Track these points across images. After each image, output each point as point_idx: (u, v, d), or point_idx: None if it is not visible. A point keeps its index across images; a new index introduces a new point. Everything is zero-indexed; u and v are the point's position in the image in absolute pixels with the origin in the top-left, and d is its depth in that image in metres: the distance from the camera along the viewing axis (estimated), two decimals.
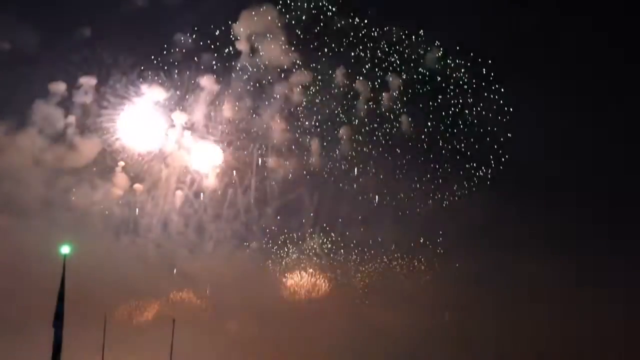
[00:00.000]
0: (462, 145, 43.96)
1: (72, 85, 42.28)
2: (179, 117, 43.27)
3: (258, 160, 44.24)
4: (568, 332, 41.24)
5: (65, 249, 25.57)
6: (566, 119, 42.91)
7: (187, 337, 32.46)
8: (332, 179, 44.39)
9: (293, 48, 42.98)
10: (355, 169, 44.27)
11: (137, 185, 43.75)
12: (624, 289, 41.40)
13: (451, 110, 43.49)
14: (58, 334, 25.28)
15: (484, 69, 43.47)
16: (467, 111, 43.55)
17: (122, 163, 43.12)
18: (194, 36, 42.71)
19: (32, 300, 37.80)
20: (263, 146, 44.09)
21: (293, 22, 42.87)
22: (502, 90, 43.51)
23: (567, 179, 43.41)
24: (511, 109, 43.55)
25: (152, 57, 42.27)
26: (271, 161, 44.34)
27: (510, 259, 42.20)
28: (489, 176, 43.70)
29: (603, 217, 42.80)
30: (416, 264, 44.08)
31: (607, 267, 41.90)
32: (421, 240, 44.13)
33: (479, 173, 43.66)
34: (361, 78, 43.32)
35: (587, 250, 42.38)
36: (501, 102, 43.33)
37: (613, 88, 43.67)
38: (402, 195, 44.22)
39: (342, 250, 44.52)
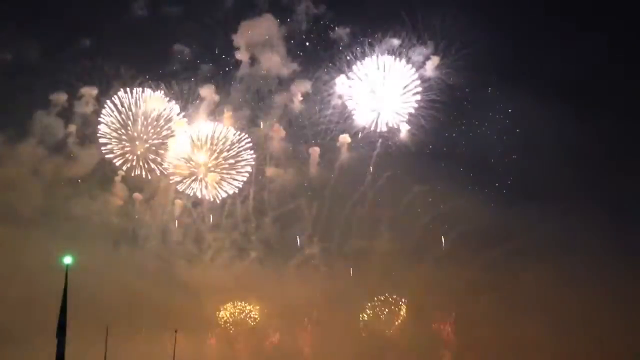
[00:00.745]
0: (464, 165, 44.23)
1: (73, 96, 42.76)
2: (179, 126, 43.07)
3: (257, 170, 44.07)
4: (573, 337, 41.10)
5: (67, 260, 25.46)
6: (568, 136, 43.04)
7: (188, 346, 32.53)
8: (330, 188, 44.18)
9: (292, 58, 43.26)
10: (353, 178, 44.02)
11: (136, 195, 43.72)
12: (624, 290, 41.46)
13: (455, 129, 43.51)
14: (61, 344, 25.17)
15: (489, 88, 43.80)
16: (471, 133, 43.60)
17: (121, 172, 43.02)
18: (193, 46, 43.47)
19: (32, 309, 38.08)
20: (262, 156, 43.92)
21: (292, 32, 43.13)
22: (509, 110, 43.75)
23: (569, 191, 43.40)
24: (517, 130, 43.92)
25: (153, 67, 42.98)
26: (270, 171, 44.22)
27: (510, 267, 42.18)
28: (492, 195, 43.59)
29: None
30: (414, 272, 43.73)
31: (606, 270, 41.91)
32: (419, 250, 43.82)
33: (482, 194, 43.62)
34: (360, 87, 42.88)
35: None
36: (507, 121, 43.58)
37: (615, 107, 43.80)
38: (401, 206, 43.96)
39: (340, 259, 44.34)
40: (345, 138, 44.16)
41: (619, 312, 41.45)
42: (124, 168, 42.72)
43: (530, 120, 43.12)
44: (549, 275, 42.02)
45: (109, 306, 38.42)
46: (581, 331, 40.95)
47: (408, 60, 42.23)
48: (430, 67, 42.46)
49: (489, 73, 43.51)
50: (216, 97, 43.22)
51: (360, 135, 44.09)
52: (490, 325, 41.60)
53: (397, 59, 42.15)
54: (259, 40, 42.71)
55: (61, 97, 42.21)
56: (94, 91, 42.31)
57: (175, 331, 31.20)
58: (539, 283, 42.26)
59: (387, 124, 43.51)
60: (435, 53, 42.37)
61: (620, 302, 41.61)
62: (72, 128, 42.88)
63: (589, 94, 43.88)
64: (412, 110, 42.84)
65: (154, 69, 42.81)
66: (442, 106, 42.85)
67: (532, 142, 43.78)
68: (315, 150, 44.29)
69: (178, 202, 44.27)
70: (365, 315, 43.59)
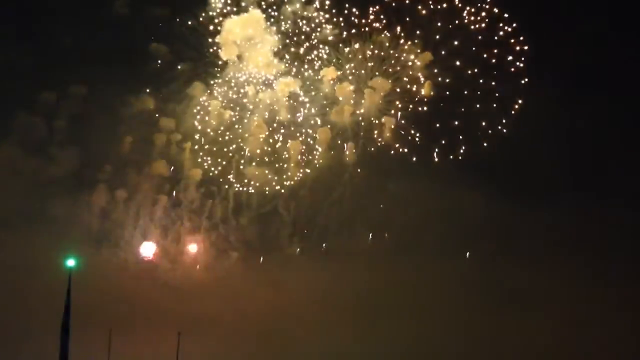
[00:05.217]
0: (454, 161, 44.75)
1: (59, 95, 43.01)
2: (166, 126, 43.49)
3: (236, 170, 44.35)
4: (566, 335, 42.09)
5: (70, 262, 25.70)
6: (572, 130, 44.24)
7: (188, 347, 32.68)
8: (310, 187, 44.61)
9: (279, 57, 43.79)
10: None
11: (118, 196, 43.46)
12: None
13: (445, 125, 44.22)
14: (64, 346, 25.32)
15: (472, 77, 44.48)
16: (462, 129, 44.40)
17: (103, 173, 42.88)
18: (180, 45, 43.73)
19: (16, 310, 38.31)
20: (242, 155, 44.10)
21: (279, 31, 43.49)
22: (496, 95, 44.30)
23: (570, 186, 44.61)
24: (504, 120, 44.38)
25: (140, 66, 43.34)
26: (249, 170, 44.41)
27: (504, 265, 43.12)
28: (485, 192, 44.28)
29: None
30: (396, 270, 44.32)
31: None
32: (401, 247, 44.52)
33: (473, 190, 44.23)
34: (346, 84, 43.99)
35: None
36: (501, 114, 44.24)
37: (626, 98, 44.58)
38: (382, 202, 44.58)
39: (322, 258, 44.75)
40: (326, 136, 44.31)
41: (623, 313, 42.32)
42: None
43: (528, 112, 43.99)
44: (546, 274, 43.13)
45: (100, 309, 38.28)
46: (580, 333, 41.98)
47: (396, 58, 43.09)
48: (419, 64, 43.24)
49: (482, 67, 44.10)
50: (202, 96, 43.71)
51: (343, 133, 44.44)
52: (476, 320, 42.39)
53: (385, 56, 43.08)
54: (245, 38, 43.14)
55: (46, 97, 42.43)
56: (81, 90, 42.67)
57: (179, 333, 31.35)
58: (535, 282, 43.21)
59: (372, 121, 44.08)
60: (424, 50, 43.21)
61: (626, 304, 42.44)
62: (55, 128, 42.99)
63: (593, 86, 44.67)
64: (398, 107, 43.63)
65: (141, 67, 43.40)
66: (430, 102, 43.73)
67: (530, 135, 44.51)
68: (296, 149, 44.38)
69: (159, 201, 43.99)
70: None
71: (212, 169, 44.07)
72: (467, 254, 43.99)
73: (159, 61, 43.48)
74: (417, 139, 44.23)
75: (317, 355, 41.58)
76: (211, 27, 43.52)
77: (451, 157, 44.09)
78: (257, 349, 41.20)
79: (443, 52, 43.70)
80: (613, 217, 42.86)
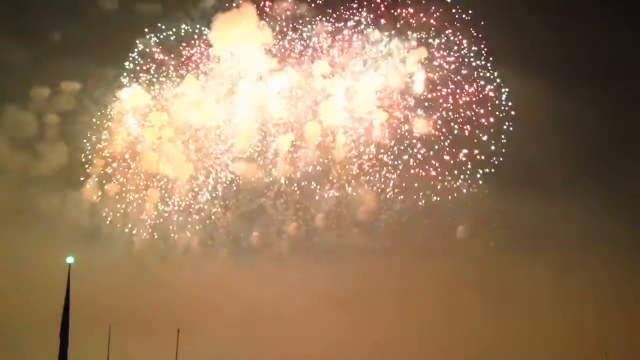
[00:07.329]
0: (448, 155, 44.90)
1: (51, 91, 42.89)
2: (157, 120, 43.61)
3: (225, 166, 44.35)
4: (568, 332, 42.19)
5: (69, 259, 25.65)
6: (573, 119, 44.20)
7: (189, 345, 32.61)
8: (299, 184, 44.79)
9: (272, 54, 44.06)
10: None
11: (107, 193, 43.33)
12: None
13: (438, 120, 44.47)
14: (63, 345, 25.31)
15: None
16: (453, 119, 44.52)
17: (93, 170, 42.75)
18: (170, 39, 43.81)
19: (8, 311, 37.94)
20: (233, 151, 44.13)
21: (272, 27, 43.70)
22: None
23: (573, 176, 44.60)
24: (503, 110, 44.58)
25: (130, 62, 43.23)
26: (238, 166, 44.42)
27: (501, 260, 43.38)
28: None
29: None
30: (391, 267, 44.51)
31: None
32: (394, 245, 44.69)
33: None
34: (338, 79, 44.28)
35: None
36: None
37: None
38: (373, 198, 44.70)
39: (311, 256, 44.79)
40: (317, 133, 44.39)
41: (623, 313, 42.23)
42: None
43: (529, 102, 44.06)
44: (545, 270, 43.21)
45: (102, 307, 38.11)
46: (581, 334, 41.65)
47: (390, 54, 43.39)
48: (413, 61, 43.62)
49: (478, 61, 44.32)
50: (194, 91, 43.63)
51: (332, 129, 44.52)
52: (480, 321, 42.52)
53: (379, 53, 43.44)
54: (236, 33, 43.37)
55: (38, 92, 42.34)
56: (73, 86, 42.67)
57: (178, 330, 31.33)
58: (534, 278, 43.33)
59: (360, 118, 44.25)
60: (419, 45, 43.54)
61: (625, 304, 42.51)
62: (45, 124, 42.85)
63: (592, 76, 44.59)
64: (390, 103, 43.93)
65: (128, 64, 43.35)
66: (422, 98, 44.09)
67: (530, 125, 44.52)
68: (286, 145, 44.44)
69: (148, 198, 43.88)
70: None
71: (203, 164, 44.07)
72: None
73: (150, 57, 43.53)
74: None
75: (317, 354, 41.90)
76: (203, 23, 43.73)
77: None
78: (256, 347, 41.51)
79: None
80: None
